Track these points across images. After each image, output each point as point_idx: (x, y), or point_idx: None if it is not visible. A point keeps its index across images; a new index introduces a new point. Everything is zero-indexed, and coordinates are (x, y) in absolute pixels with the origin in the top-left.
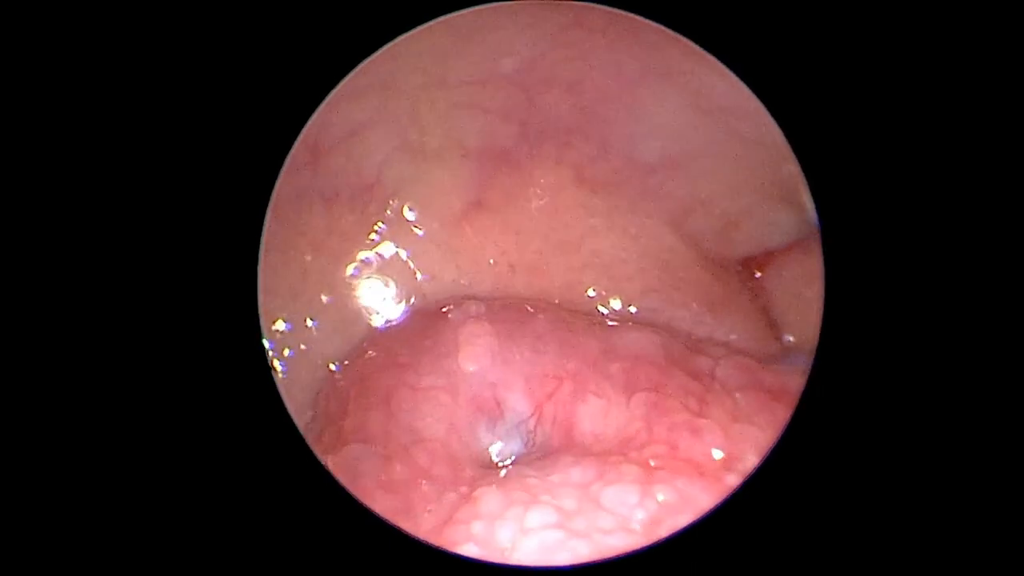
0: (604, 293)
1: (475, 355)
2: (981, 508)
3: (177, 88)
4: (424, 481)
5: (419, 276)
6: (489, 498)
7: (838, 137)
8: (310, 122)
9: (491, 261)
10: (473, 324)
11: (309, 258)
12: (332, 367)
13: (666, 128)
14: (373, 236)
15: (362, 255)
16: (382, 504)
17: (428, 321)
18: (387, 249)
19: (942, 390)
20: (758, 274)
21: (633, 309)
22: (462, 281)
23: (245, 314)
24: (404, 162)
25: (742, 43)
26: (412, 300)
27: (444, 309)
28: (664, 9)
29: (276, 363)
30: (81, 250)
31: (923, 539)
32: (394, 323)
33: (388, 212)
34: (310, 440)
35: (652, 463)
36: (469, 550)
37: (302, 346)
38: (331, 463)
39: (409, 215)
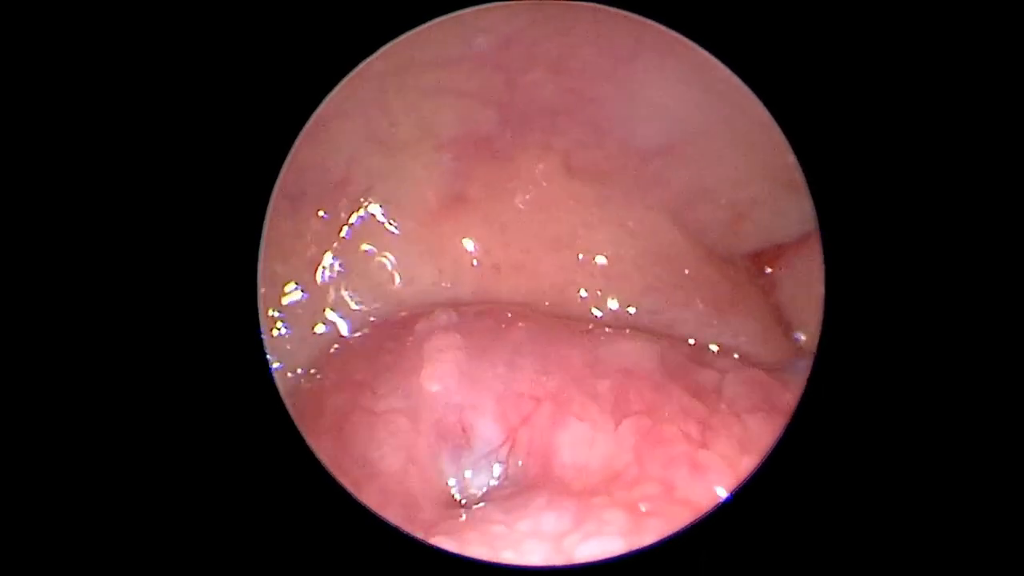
0: (599, 294)
1: (440, 373)
2: (982, 509)
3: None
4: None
5: (397, 279)
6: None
7: (838, 137)
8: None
9: (474, 262)
10: (440, 336)
11: (279, 269)
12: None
13: (665, 109)
14: (343, 237)
15: (331, 259)
16: None
17: (392, 333)
18: (359, 252)
19: (942, 390)
20: (769, 270)
21: (632, 310)
22: (444, 284)
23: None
24: (375, 155)
25: (742, 43)
26: (376, 306)
27: (408, 316)
28: (664, 9)
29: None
30: (68, 244)
31: (925, 539)
32: (356, 335)
33: (360, 212)
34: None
35: (642, 507)
36: None
37: (275, 364)
38: None
39: (382, 214)
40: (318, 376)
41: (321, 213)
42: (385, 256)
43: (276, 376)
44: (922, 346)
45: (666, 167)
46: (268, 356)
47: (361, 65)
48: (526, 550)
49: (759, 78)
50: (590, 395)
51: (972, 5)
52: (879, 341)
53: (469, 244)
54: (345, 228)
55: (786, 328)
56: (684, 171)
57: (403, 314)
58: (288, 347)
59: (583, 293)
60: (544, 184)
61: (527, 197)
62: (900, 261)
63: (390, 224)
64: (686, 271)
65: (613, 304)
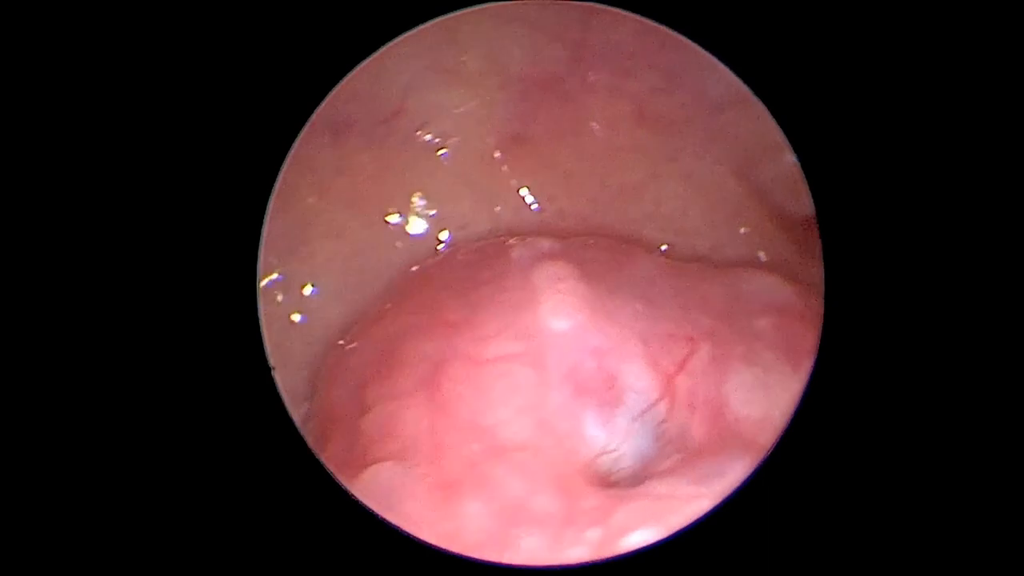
0: (671, 247)
1: (566, 306)
2: (982, 504)
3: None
4: (521, 530)
5: (443, 235)
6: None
7: (838, 137)
8: None
9: (535, 207)
10: (551, 264)
11: (312, 200)
12: (340, 342)
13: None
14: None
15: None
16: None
17: (479, 261)
18: (409, 195)
19: (943, 389)
20: None
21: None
22: (500, 232)
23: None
24: (436, 87)
25: (742, 43)
26: (447, 234)
27: (509, 242)
28: (664, 9)
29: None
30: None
31: (927, 537)
32: (430, 264)
33: (413, 147)
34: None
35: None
36: None
37: (296, 316)
38: (355, 491)
39: (439, 152)
40: (389, 318)
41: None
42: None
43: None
44: (922, 345)
45: (737, 119)
46: (299, 315)
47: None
48: None
49: (760, 78)
50: (752, 334)
51: (972, 5)
52: (880, 341)
53: (528, 192)
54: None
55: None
56: (754, 124)
57: (477, 243)
58: (318, 306)
59: (663, 248)
60: (612, 130)
61: (594, 143)
62: (898, 258)
63: (446, 165)
64: (742, 230)
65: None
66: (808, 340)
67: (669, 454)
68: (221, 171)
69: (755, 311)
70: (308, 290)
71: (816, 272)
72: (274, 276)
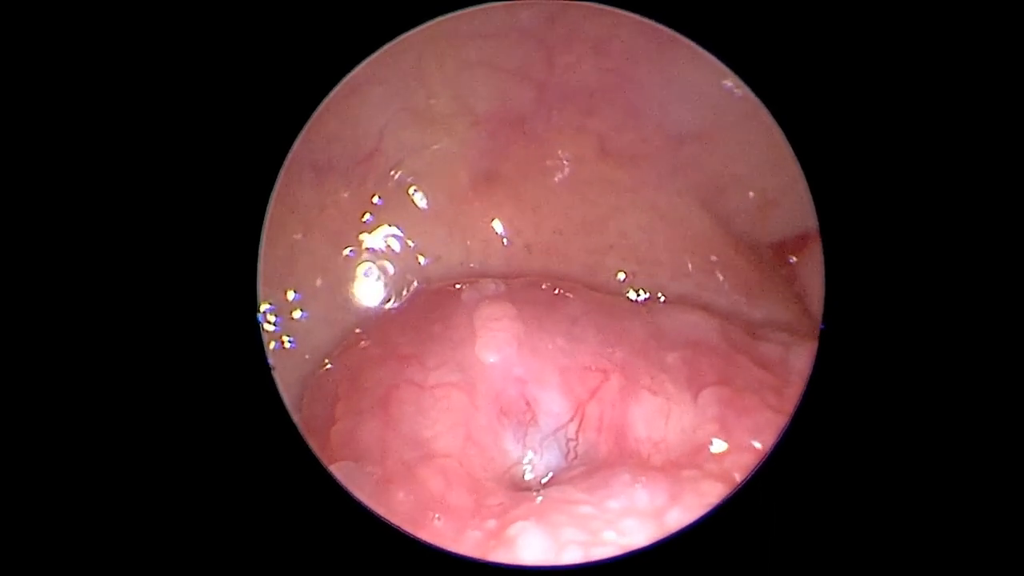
0: (633, 277)
1: (496, 342)
2: (982, 501)
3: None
4: (437, 515)
5: (422, 260)
6: (530, 538)
7: (838, 137)
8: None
9: (505, 241)
10: (492, 305)
11: (299, 236)
12: (326, 362)
13: (701, 95)
14: (369, 214)
15: (359, 235)
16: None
17: (435, 302)
18: (386, 228)
19: (944, 389)
20: (793, 259)
21: (662, 297)
22: (471, 264)
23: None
24: (408, 127)
25: (742, 43)
26: (414, 283)
27: (457, 287)
28: (664, 9)
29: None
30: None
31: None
32: (394, 306)
33: (389, 185)
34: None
35: (737, 477)
36: None
37: (286, 340)
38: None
39: (412, 189)
40: (357, 348)
41: (348, 187)
42: (411, 234)
43: (291, 359)
44: (923, 345)
45: (699, 153)
46: (289, 339)
47: (400, 38)
48: (626, 529)
49: (758, 84)
50: (659, 367)
51: (972, 5)
52: (879, 342)
53: (499, 224)
54: (374, 201)
55: (809, 316)
56: (716, 157)
57: (439, 284)
58: (308, 330)
59: (620, 276)
60: (577, 165)
61: (560, 178)
62: (899, 261)
63: (420, 203)
64: (713, 257)
65: (643, 288)
66: (711, 373)
67: (575, 466)
68: (221, 169)
69: (669, 346)
70: (298, 314)
71: (780, 293)
72: (267, 306)
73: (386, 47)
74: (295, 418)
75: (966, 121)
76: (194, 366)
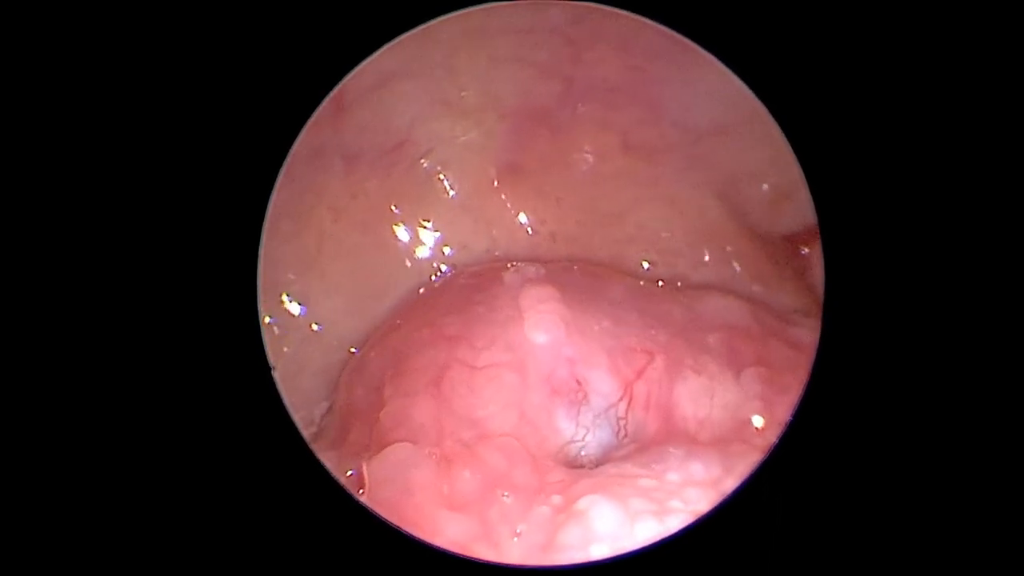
0: (654, 267)
1: (545, 323)
2: (982, 500)
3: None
4: (505, 492)
5: (447, 251)
6: (602, 509)
7: (838, 137)
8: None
9: (529, 231)
10: (536, 287)
11: (329, 223)
12: (352, 350)
13: (720, 92)
14: (395, 205)
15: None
16: (453, 529)
17: (475, 285)
18: (414, 216)
19: (945, 389)
20: (805, 250)
21: (680, 285)
22: (496, 252)
23: (244, 288)
24: (439, 119)
25: (742, 43)
26: (442, 267)
27: (482, 270)
28: (664, 9)
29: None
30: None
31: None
32: (433, 286)
33: (417, 173)
34: (323, 443)
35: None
36: None
37: (314, 326)
38: (368, 473)
39: (441, 178)
40: (399, 332)
41: (375, 176)
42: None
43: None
44: (924, 346)
45: (715, 148)
46: (316, 325)
47: (428, 23)
48: (690, 498)
49: (758, 84)
50: (700, 348)
51: (972, 5)
52: (879, 343)
53: (523, 216)
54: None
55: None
56: (731, 152)
57: (474, 268)
58: (335, 318)
59: (645, 265)
60: (600, 160)
61: (583, 171)
62: (899, 261)
63: (447, 191)
64: (728, 248)
65: (663, 279)
66: (749, 354)
67: (625, 444)
68: (221, 178)
69: (707, 328)
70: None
71: (791, 282)
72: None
73: (413, 33)
74: (295, 418)
75: (966, 121)
76: (195, 366)
